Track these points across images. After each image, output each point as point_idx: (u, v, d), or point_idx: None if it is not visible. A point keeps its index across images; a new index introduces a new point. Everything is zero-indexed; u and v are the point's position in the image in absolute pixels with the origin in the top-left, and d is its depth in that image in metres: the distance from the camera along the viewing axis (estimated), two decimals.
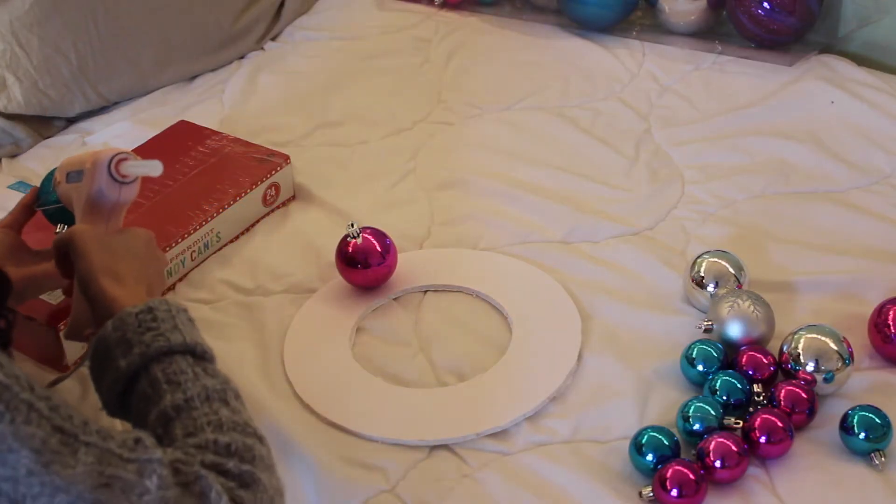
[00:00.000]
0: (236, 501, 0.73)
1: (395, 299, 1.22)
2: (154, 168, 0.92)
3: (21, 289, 1.02)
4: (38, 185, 1.11)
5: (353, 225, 1.19)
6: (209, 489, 0.71)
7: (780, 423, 0.97)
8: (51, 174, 1.09)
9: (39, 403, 0.65)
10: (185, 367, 0.80)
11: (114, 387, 0.82)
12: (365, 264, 1.19)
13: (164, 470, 0.70)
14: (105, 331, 0.83)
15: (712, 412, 1.00)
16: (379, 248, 1.19)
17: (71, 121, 1.61)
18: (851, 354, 1.04)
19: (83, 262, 0.90)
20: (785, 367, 1.05)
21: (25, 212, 1.11)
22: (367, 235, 1.20)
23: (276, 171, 1.35)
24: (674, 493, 0.93)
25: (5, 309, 0.80)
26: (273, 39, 1.79)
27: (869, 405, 0.99)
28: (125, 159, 0.95)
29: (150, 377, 0.80)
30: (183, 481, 0.71)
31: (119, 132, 1.54)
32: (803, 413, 1.00)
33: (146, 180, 1.30)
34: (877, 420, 0.97)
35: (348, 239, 1.20)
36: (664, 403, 1.05)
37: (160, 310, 0.83)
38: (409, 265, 1.24)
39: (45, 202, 1.09)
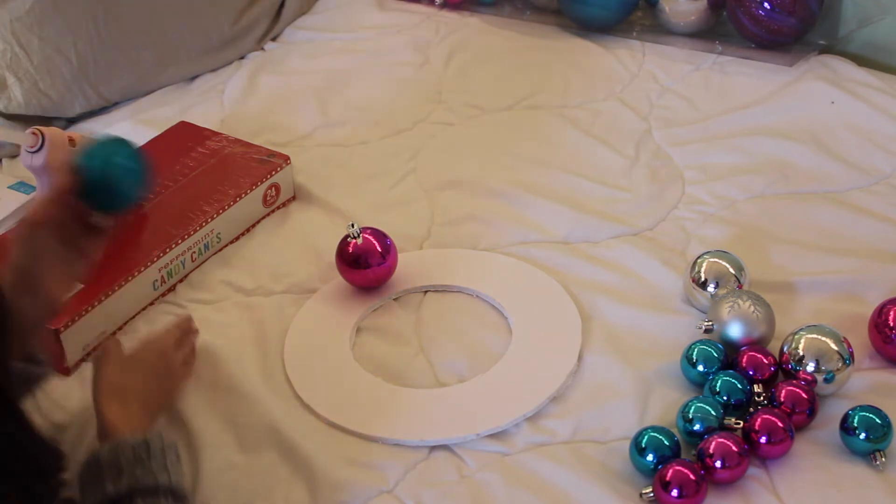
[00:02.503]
0: None
1: (395, 299, 1.22)
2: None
3: None
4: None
5: (353, 225, 1.19)
6: None
7: (780, 424, 0.97)
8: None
9: None
10: None
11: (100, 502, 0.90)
12: (365, 264, 1.19)
13: None
14: (101, 450, 0.91)
15: (713, 412, 1.00)
16: (379, 248, 1.19)
17: (71, 121, 1.61)
18: (852, 355, 1.04)
19: (95, 380, 1.00)
20: (785, 368, 1.05)
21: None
22: (367, 235, 1.20)
23: (276, 171, 1.35)
24: (674, 493, 0.93)
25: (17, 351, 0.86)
26: (273, 39, 1.79)
27: (869, 405, 0.99)
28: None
29: None
30: None
31: (119, 132, 1.53)
32: (803, 413, 1.00)
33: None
34: (877, 420, 0.97)
35: (348, 239, 1.20)
36: (664, 404, 1.05)
37: (154, 446, 0.92)
38: (409, 265, 1.24)
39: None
